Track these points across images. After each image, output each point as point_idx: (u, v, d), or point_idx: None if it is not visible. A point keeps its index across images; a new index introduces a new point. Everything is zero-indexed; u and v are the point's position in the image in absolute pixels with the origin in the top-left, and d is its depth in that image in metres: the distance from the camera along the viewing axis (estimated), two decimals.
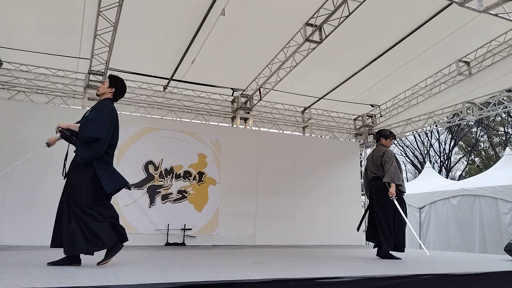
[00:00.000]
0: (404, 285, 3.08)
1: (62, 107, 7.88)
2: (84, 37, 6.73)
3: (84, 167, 3.56)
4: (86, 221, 3.39)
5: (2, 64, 7.47)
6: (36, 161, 7.16)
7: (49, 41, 6.92)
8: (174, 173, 8.17)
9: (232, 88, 8.91)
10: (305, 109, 9.93)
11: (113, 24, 5.97)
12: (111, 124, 3.66)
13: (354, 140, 10.75)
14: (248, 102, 9.03)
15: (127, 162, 7.78)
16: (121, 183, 3.61)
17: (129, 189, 3.80)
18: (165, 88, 8.58)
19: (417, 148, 24.87)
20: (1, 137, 7.06)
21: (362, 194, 10.42)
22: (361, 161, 10.53)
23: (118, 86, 3.91)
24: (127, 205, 7.62)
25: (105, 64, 7.13)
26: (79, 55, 7.29)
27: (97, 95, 3.93)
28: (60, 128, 3.71)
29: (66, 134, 3.71)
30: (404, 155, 25.51)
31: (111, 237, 3.42)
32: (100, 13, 5.75)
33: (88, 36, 6.57)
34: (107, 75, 7.64)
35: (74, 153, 3.72)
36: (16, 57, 7.36)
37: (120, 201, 7.56)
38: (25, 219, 6.86)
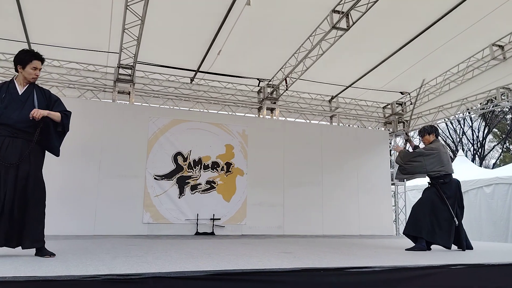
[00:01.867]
0: (436, 275, 3.03)
1: (93, 100, 8.10)
2: (113, 32, 6.86)
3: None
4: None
5: None
6: (69, 155, 7.41)
7: (80, 37, 7.09)
8: (202, 164, 8.27)
9: (258, 79, 8.90)
10: (332, 98, 9.81)
11: (140, 18, 6.06)
12: None
13: (383, 128, 10.55)
14: (275, 92, 9.00)
15: (157, 153, 7.95)
16: None
17: None
18: (192, 80, 8.66)
19: (449, 136, 24.19)
20: None
21: (392, 184, 10.27)
22: (390, 150, 10.35)
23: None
24: (158, 196, 7.79)
25: (133, 57, 7.26)
26: (108, 49, 7.45)
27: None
28: (40, 116, 3.31)
29: (49, 125, 3.45)
30: None
31: None
32: (128, 7, 5.84)
33: (116, 31, 6.69)
34: (135, 68, 7.79)
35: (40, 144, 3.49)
36: (48, 53, 7.55)
37: (151, 191, 7.75)
38: (61, 210, 7.12)
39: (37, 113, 3.31)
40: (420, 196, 5.33)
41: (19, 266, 2.59)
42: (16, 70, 3.49)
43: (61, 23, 6.71)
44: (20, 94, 3.43)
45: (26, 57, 3.46)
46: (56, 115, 3.50)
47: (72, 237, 6.13)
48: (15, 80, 3.50)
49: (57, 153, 3.63)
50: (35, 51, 3.58)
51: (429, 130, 5.40)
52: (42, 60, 3.59)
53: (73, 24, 6.74)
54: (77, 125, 7.52)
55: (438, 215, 4.98)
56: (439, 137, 5.52)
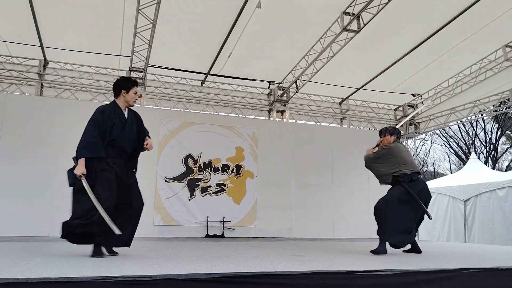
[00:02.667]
0: (449, 279, 2.99)
1: (105, 103, 8.17)
2: (125, 35, 6.93)
3: None
4: None
5: (48, 63, 7.84)
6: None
7: (92, 40, 7.18)
8: (213, 166, 8.29)
9: (268, 81, 8.91)
10: (343, 100, 9.78)
11: (152, 22, 6.11)
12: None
13: None
14: (285, 95, 9.00)
15: (167, 156, 8.00)
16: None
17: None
18: (202, 82, 8.70)
19: (462, 139, 23.90)
20: (49, 134, 7.41)
21: None
22: None
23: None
24: (168, 198, 7.83)
25: (145, 61, 7.32)
26: (120, 52, 7.52)
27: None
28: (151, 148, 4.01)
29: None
30: (448, 145, 24.61)
31: None
32: (139, 11, 5.90)
33: (128, 34, 6.76)
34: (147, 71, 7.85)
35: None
36: (61, 57, 7.69)
37: (161, 194, 7.79)
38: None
39: (151, 146, 3.92)
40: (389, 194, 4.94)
41: (32, 268, 2.62)
42: (117, 95, 3.84)
43: (74, 27, 6.80)
44: (126, 118, 3.80)
45: (130, 84, 3.85)
46: None
47: None
48: (118, 104, 3.83)
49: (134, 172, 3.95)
50: (135, 79, 4.12)
51: (391, 131, 5.11)
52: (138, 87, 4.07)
53: (86, 28, 6.83)
54: None
55: (403, 214, 4.65)
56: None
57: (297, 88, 8.64)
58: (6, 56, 7.55)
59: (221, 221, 8.04)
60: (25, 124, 7.34)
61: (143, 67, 7.66)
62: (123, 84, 3.82)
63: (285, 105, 9.27)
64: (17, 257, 3.23)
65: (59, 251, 3.95)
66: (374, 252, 4.49)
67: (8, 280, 2.10)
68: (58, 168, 7.24)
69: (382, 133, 5.20)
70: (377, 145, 5.30)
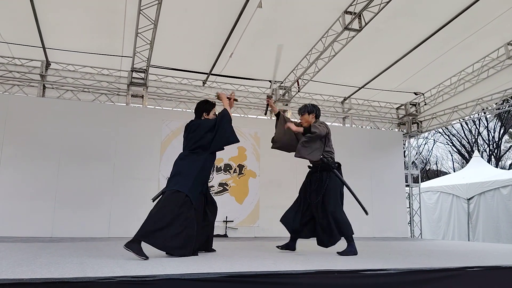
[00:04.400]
0: (453, 278, 2.98)
1: (107, 104, 8.19)
2: (126, 36, 6.94)
3: None
4: None
5: (50, 64, 7.86)
6: (84, 158, 7.51)
7: (94, 41, 7.19)
8: (215, 166, 8.29)
9: (270, 81, 8.90)
10: (345, 99, 9.76)
11: (153, 22, 6.12)
12: None
13: (397, 130, 10.46)
14: (287, 94, 8.99)
15: (169, 156, 7.97)
16: None
17: None
18: (204, 82, 8.70)
19: (464, 137, 23.84)
20: (51, 135, 7.43)
21: (407, 185, 10.16)
22: (404, 151, 10.24)
23: None
24: None
25: (146, 61, 7.33)
26: (122, 53, 7.53)
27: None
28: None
29: None
30: (451, 144, 24.56)
31: None
32: (141, 11, 5.90)
33: (130, 35, 6.77)
34: (148, 72, 7.86)
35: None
36: (63, 58, 7.70)
37: None
38: (76, 212, 7.21)
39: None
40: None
41: (35, 268, 2.62)
42: (199, 116, 4.44)
43: (76, 28, 6.81)
44: None
45: (210, 107, 4.47)
46: None
47: (88, 239, 6.21)
48: None
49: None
50: (214, 102, 4.55)
51: (310, 109, 4.72)
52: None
53: (87, 29, 6.83)
54: (92, 129, 7.66)
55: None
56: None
57: (298, 87, 8.63)
58: (8, 57, 7.57)
59: (224, 221, 8.04)
60: (28, 125, 7.36)
61: (144, 68, 7.66)
62: (206, 107, 4.43)
63: (287, 105, 9.26)
64: (21, 258, 3.24)
65: (62, 251, 3.96)
66: (341, 253, 4.18)
67: (13, 280, 2.10)
68: (60, 169, 7.28)
69: (301, 110, 4.84)
70: (268, 105, 5.30)
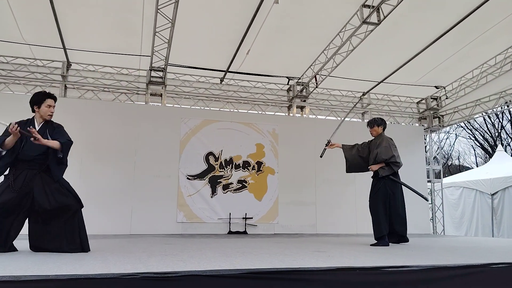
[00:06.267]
0: (476, 275, 2.92)
1: (127, 103, 8.30)
2: (144, 35, 7.01)
3: None
4: None
5: (71, 65, 8.00)
6: (105, 157, 7.64)
7: (112, 41, 7.29)
8: (234, 163, 8.32)
9: (287, 77, 8.86)
10: (364, 94, 9.64)
11: (170, 21, 6.16)
12: None
13: (417, 124, 10.28)
14: (304, 90, 8.94)
15: (189, 154, 8.07)
16: None
17: None
18: (221, 80, 8.72)
19: (487, 131, 23.27)
20: (73, 135, 7.49)
21: (428, 181, 9.98)
22: (425, 146, 10.07)
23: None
24: (191, 195, 7.90)
25: (164, 60, 7.39)
26: (140, 52, 7.62)
27: None
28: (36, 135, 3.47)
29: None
30: (473, 138, 24.02)
31: None
32: (158, 10, 5.95)
33: (148, 34, 6.83)
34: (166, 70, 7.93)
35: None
36: (83, 58, 7.83)
37: (184, 191, 7.87)
38: (99, 210, 7.34)
39: (36, 133, 3.48)
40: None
41: (61, 265, 2.68)
42: (33, 111, 3.80)
43: (95, 28, 6.91)
44: (37, 130, 3.64)
45: (40, 98, 3.79)
46: (53, 143, 3.67)
47: (110, 236, 6.31)
48: (35, 119, 3.81)
49: (55, 178, 3.74)
50: (47, 91, 3.91)
51: (379, 122, 5.55)
52: (54, 98, 3.90)
53: (106, 29, 6.93)
54: (113, 128, 7.78)
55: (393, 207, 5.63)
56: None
57: (316, 83, 8.57)
58: (30, 59, 7.74)
59: (243, 218, 8.07)
60: None
61: (163, 66, 7.73)
62: (34, 99, 3.80)
63: (304, 101, 9.21)
64: (46, 255, 3.32)
65: None
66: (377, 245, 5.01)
67: (39, 277, 2.16)
68: (83, 168, 7.41)
69: (370, 124, 5.66)
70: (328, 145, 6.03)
